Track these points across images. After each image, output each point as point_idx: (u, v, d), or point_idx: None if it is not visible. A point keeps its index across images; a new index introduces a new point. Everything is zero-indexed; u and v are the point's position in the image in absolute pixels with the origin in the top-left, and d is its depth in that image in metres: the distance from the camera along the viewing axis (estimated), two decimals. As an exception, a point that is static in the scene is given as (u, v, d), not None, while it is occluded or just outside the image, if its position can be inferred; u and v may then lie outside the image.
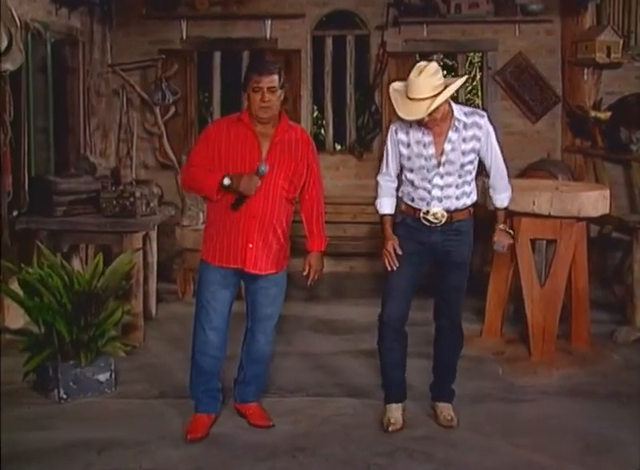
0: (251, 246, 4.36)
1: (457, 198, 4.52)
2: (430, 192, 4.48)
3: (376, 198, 4.70)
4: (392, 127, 4.58)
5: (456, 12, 8.69)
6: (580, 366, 5.77)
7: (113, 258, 5.82)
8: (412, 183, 4.53)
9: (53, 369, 5.07)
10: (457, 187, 4.51)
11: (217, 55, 9.03)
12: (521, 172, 8.61)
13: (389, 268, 4.56)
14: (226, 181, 4.25)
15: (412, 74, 4.29)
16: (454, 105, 4.50)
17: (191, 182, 4.43)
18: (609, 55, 8.11)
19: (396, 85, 4.44)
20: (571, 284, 6.04)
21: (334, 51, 9.09)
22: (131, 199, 6.12)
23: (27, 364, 5.06)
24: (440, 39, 8.83)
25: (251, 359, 4.70)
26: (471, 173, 4.57)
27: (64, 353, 5.10)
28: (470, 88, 12.36)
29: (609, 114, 8.18)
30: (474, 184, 4.63)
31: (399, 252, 4.53)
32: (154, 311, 6.93)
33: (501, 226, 4.76)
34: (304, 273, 4.62)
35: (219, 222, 4.41)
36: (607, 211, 5.94)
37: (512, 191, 4.85)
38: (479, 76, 11.86)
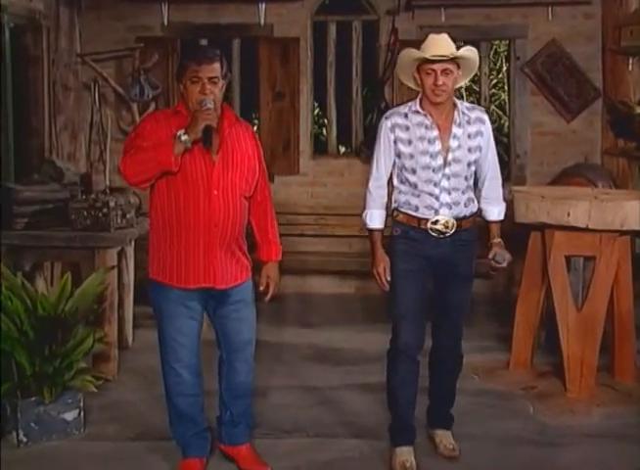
0: (216, 259, 4.35)
1: (465, 204, 4.64)
2: (437, 198, 4.56)
3: (364, 208, 4.75)
4: (387, 124, 4.63)
5: (479, -7, 8.73)
6: (625, 404, 5.74)
7: (83, 277, 5.80)
8: (414, 187, 4.59)
9: (11, 407, 5.04)
10: (463, 192, 4.63)
11: (203, 43, 9.04)
12: (554, 179, 8.63)
13: (384, 288, 4.65)
14: (181, 134, 4.17)
15: (429, 37, 4.51)
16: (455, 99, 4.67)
17: (137, 164, 4.22)
18: (658, 42, 8.12)
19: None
20: (614, 308, 6.03)
21: (338, 39, 9.12)
22: (104, 209, 6.11)
23: (-18, 401, 5.04)
24: (460, 25, 8.84)
25: (235, 395, 4.68)
26: (472, 177, 4.69)
27: (24, 389, 5.07)
28: (495, 81, 12.38)
29: (657, 110, 8.19)
30: (473, 193, 4.74)
31: (388, 278, 4.62)
32: (130, 339, 6.92)
33: (497, 240, 4.79)
34: (261, 288, 4.64)
35: (172, 237, 4.35)
36: (655, 223, 5.93)
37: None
38: (505, 68, 11.89)
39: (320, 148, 9.61)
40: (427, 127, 4.56)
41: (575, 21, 8.82)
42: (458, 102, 4.63)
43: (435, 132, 4.55)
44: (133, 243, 6.76)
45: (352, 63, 9.12)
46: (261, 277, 4.65)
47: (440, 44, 4.46)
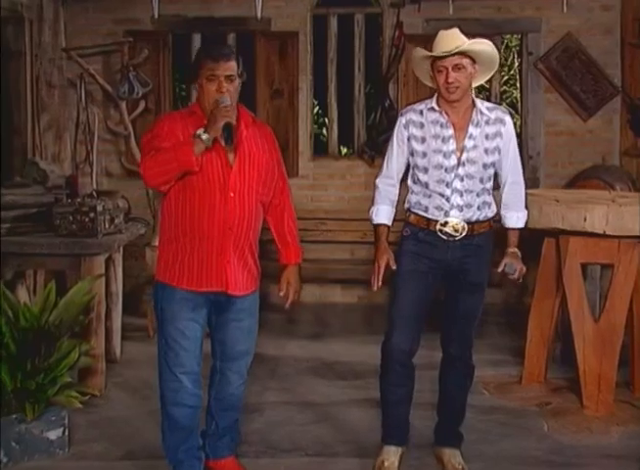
0: (229, 263, 4.39)
1: (479, 208, 4.66)
2: (448, 199, 4.60)
3: (372, 204, 4.83)
4: (401, 120, 4.72)
5: (489, -16, 8.75)
6: (646, 422, 5.74)
7: (68, 286, 5.79)
8: (426, 187, 4.64)
9: (-8, 425, 5.03)
10: (478, 195, 4.65)
11: (197, 38, 9.07)
12: (569, 181, 8.62)
13: (372, 286, 4.68)
14: (201, 132, 4.22)
15: (439, 33, 4.56)
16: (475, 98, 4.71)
17: (157, 166, 4.31)
18: (681, 35, 8.13)
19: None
20: (633, 319, 6.01)
21: (339, 33, 9.13)
22: (91, 214, 6.10)
23: (-40, 419, 5.03)
24: (470, 18, 8.84)
25: (224, 406, 4.71)
26: (490, 180, 4.72)
27: (5, 405, 5.05)
28: (506, 78, 12.39)
29: (680, 109, 8.19)
30: (491, 197, 4.76)
31: (394, 267, 4.66)
32: (118, 352, 6.90)
33: (513, 249, 4.82)
34: (281, 293, 4.68)
35: (184, 238, 4.40)
36: (677, 228, 5.91)
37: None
38: (517, 64, 11.90)
39: (320, 149, 9.62)
40: (442, 125, 4.60)
41: (592, 13, 8.82)
42: (478, 101, 4.67)
43: (450, 131, 4.59)
44: (122, 250, 6.74)
45: (355, 58, 9.12)
46: (281, 283, 4.68)
47: (448, 39, 4.49)
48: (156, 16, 8.87)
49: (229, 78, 4.33)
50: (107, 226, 6.21)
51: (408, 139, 4.66)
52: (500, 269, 4.73)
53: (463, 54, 4.47)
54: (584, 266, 6.05)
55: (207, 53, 4.42)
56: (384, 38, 8.95)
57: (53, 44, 8.41)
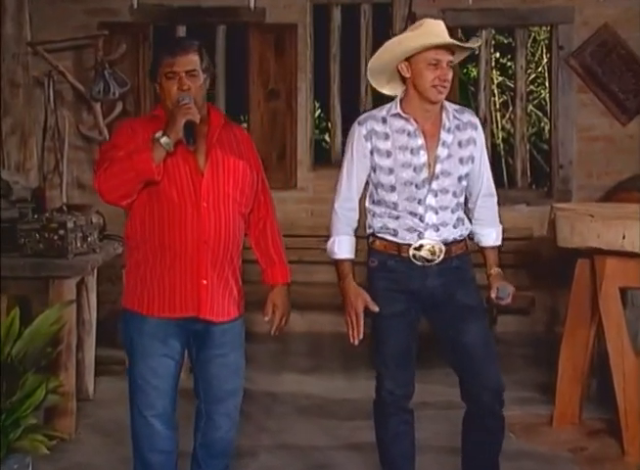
0: (205, 282, 4.35)
1: (454, 226, 4.55)
2: (422, 218, 4.47)
3: (330, 235, 4.71)
4: (361, 131, 4.53)
5: (514, -30, 8.77)
6: (696, 469, 5.72)
7: (34, 314, 5.78)
8: (394, 208, 4.54)
9: (-54, 473, 5.02)
10: (452, 211, 4.54)
11: (182, 30, 9.09)
12: (606, 194, 8.61)
13: (353, 340, 4.59)
14: (159, 135, 4.20)
15: (425, 22, 4.43)
16: None
17: (113, 178, 4.23)
18: None
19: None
20: (679, 351, 6.00)
21: (343, 26, 9.15)
22: (61, 231, 6.10)
23: None
24: (492, 8, 8.88)
25: (213, 453, 4.68)
26: (463, 193, 4.61)
27: (-39, 450, 5.05)
28: (533, 76, 12.41)
29: None
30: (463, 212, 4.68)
31: (376, 309, 4.55)
32: (91, 389, 6.90)
33: (497, 270, 4.72)
34: (266, 318, 4.60)
35: (154, 257, 4.36)
36: None
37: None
38: (545, 60, 11.91)
39: (322, 157, 9.62)
40: (409, 134, 4.45)
41: (633, 0, 8.81)
42: (446, 103, 4.53)
43: (420, 141, 4.44)
44: (96, 272, 6.74)
45: (361, 54, 9.14)
46: (266, 306, 4.62)
47: (442, 29, 4.38)
48: (135, 5, 8.89)
49: (190, 74, 4.31)
50: (78, 245, 6.21)
51: (371, 153, 4.50)
52: (494, 295, 4.63)
53: (451, 51, 4.39)
54: (623, 291, 6.04)
55: (164, 48, 4.42)
56: (394, 32, 8.94)
57: (16, 38, 8.43)
